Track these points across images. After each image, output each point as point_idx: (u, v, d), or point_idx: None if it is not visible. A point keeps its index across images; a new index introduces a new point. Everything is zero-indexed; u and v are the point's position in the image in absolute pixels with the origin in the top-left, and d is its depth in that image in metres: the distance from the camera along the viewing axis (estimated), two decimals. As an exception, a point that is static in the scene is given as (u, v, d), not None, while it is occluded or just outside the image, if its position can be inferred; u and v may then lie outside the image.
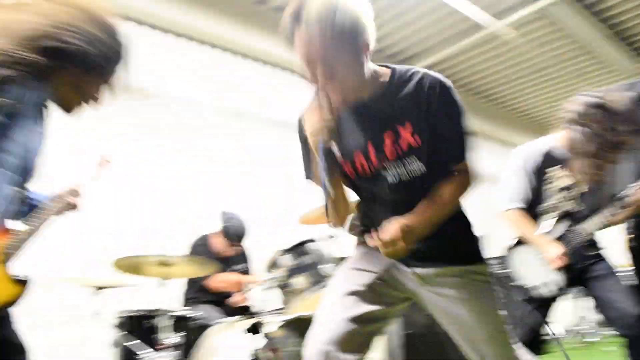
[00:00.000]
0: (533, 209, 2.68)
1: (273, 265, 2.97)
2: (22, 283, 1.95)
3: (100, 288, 3.07)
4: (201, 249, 3.79)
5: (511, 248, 2.80)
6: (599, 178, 2.46)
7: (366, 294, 1.64)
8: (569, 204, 2.61)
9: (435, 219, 1.55)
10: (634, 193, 2.44)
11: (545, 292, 2.61)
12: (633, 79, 6.82)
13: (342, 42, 1.42)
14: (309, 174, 1.69)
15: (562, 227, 2.61)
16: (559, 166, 2.61)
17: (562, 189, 2.62)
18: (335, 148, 1.56)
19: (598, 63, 7.30)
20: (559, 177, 2.63)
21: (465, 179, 1.60)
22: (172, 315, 2.96)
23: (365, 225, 1.76)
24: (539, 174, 2.65)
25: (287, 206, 5.53)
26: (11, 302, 1.91)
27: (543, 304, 2.65)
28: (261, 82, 5.84)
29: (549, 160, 2.64)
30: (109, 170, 2.55)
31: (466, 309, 1.62)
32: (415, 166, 1.57)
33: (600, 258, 2.66)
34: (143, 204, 4.68)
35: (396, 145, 1.56)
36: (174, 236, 4.67)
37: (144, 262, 2.93)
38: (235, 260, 3.99)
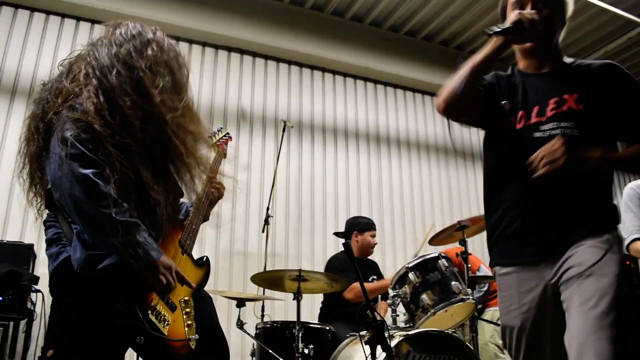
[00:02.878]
0: None
1: (400, 281, 3.01)
2: (204, 265, 2.20)
3: (241, 300, 3.31)
4: (341, 260, 3.92)
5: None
6: None
7: None
8: None
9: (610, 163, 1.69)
10: None
11: None
12: None
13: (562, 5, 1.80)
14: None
15: None
16: None
17: None
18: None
19: None
20: None
21: None
22: (307, 328, 3.11)
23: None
24: None
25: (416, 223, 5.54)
26: (202, 283, 2.16)
27: None
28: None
29: None
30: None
31: None
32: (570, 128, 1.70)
33: None
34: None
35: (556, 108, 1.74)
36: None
37: (281, 276, 3.12)
38: (370, 270, 4.07)
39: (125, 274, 1.65)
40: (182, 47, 5.03)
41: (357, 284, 3.69)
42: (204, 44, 5.16)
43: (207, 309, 2.19)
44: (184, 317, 1.88)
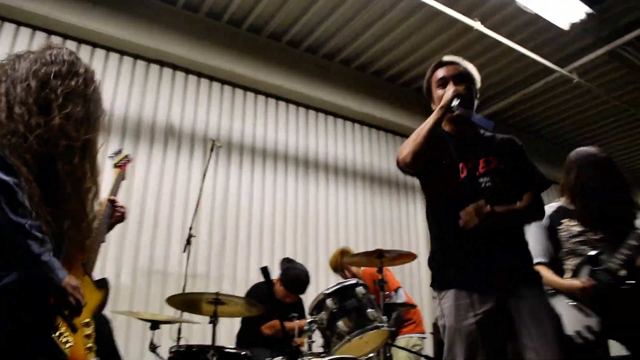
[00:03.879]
0: (556, 261, 2.82)
1: (317, 307, 3.02)
2: (103, 286, 2.14)
3: (155, 323, 3.22)
4: (261, 292, 3.88)
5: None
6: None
7: None
8: (584, 248, 2.72)
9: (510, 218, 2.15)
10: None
11: (580, 340, 2.58)
12: None
13: (470, 79, 2.30)
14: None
15: (586, 270, 2.67)
16: (569, 218, 2.84)
17: (575, 236, 2.77)
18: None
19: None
20: (571, 227, 2.81)
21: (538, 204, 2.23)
22: (222, 352, 3.06)
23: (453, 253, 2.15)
24: (553, 229, 2.86)
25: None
26: (102, 305, 2.10)
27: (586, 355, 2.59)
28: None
29: (561, 214, 2.87)
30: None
31: None
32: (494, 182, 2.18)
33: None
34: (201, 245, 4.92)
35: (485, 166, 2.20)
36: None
37: (198, 299, 3.06)
38: (291, 306, 4.07)
39: (27, 292, 1.59)
40: (112, 58, 4.91)
41: (276, 322, 3.69)
42: (136, 57, 5.05)
43: (106, 331, 2.14)
44: (85, 339, 1.82)
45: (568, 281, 2.68)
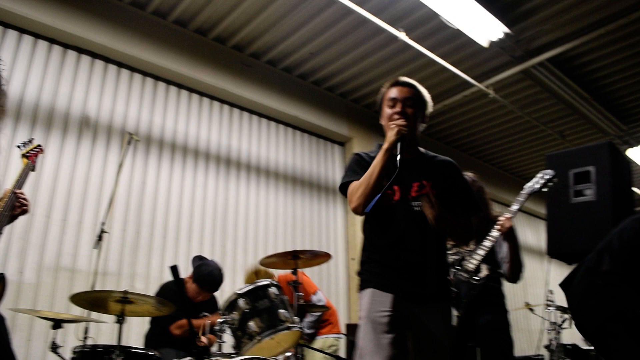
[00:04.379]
0: None
1: (230, 307, 3.00)
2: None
3: (57, 322, 3.08)
4: (172, 291, 3.79)
5: None
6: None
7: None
8: (458, 259, 3.26)
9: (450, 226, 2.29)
10: (500, 225, 3.17)
11: None
12: (617, 138, 7.06)
13: (421, 103, 2.41)
14: (355, 177, 2.30)
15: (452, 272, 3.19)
16: None
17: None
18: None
19: (583, 124, 7.46)
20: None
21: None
22: (128, 352, 2.96)
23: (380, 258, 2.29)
24: None
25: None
26: None
27: None
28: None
29: None
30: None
31: None
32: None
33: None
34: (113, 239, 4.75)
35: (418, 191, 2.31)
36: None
37: (104, 297, 2.95)
38: (203, 305, 4.00)
39: None
40: (26, 41, 4.64)
41: (185, 322, 3.61)
42: (52, 41, 4.79)
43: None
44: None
45: None
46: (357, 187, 2.21)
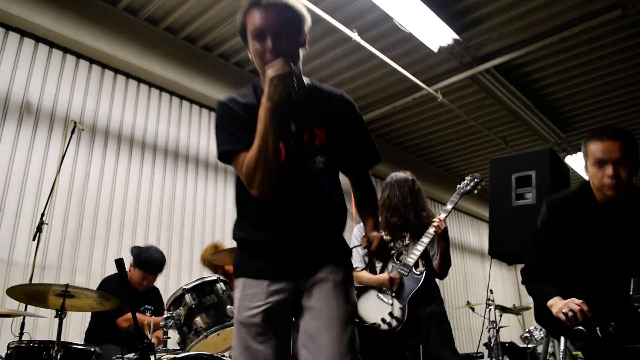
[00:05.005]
0: (372, 266, 3.43)
1: (175, 302, 2.96)
2: None
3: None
4: (115, 284, 3.71)
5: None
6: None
7: None
8: (394, 254, 3.42)
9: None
10: (437, 224, 3.33)
11: (385, 327, 3.14)
12: (556, 146, 7.39)
13: (296, 25, 1.77)
14: (238, 145, 1.70)
15: (389, 268, 3.35)
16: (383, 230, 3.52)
17: None
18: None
19: (524, 130, 7.77)
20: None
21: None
22: (68, 348, 2.87)
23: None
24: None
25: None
26: None
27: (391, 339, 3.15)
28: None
29: None
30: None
31: None
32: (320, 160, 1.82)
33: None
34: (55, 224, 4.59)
35: (310, 141, 1.81)
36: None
37: (44, 291, 2.85)
38: (147, 299, 3.93)
39: None
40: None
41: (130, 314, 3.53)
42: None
43: None
44: None
45: (378, 275, 3.32)
46: (252, 167, 1.64)
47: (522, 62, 6.18)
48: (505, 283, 10.95)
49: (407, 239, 3.47)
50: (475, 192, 3.64)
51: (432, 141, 8.37)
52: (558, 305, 2.28)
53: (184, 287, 2.97)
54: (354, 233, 3.55)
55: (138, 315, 3.60)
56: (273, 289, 1.72)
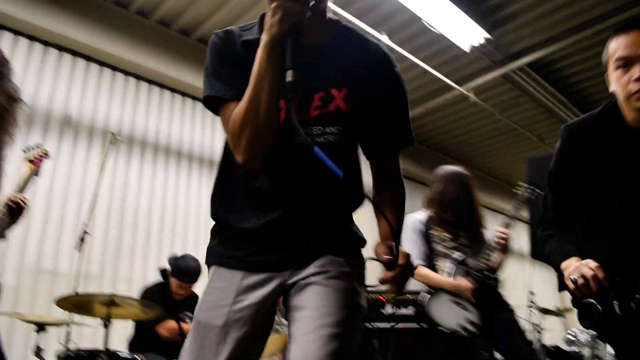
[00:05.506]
0: (430, 261, 3.26)
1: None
2: None
3: (41, 325, 3.03)
4: (154, 293, 3.78)
5: (427, 300, 3.16)
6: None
7: None
8: (456, 253, 3.23)
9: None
10: (503, 237, 3.17)
11: (465, 333, 2.99)
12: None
13: None
14: (226, 91, 1.35)
15: (460, 271, 3.17)
16: (436, 226, 3.33)
17: (445, 240, 3.30)
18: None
19: (559, 127, 7.59)
20: (442, 233, 3.32)
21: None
22: (114, 356, 2.94)
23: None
24: (426, 235, 3.31)
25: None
26: None
27: (466, 345, 3.04)
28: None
29: (431, 222, 3.36)
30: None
31: None
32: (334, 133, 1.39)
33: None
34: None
35: (322, 107, 1.37)
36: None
37: (90, 300, 2.92)
38: (186, 306, 3.99)
39: None
40: (6, 38, 4.56)
41: (174, 324, 3.60)
42: (32, 38, 4.71)
43: None
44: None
45: (455, 281, 3.11)
46: (239, 123, 1.27)
47: (555, 58, 6.07)
48: (546, 284, 10.71)
49: (465, 238, 3.31)
50: (534, 198, 3.35)
51: (466, 141, 8.27)
52: (569, 269, 1.74)
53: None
54: (411, 225, 3.33)
55: (185, 325, 3.68)
56: (247, 284, 1.36)
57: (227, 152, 1.43)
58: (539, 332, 5.19)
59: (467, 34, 5.35)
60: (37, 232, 4.35)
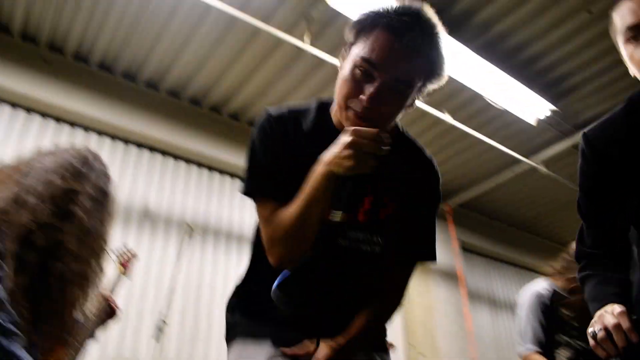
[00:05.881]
0: (548, 349, 2.69)
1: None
2: None
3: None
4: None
5: None
6: None
7: None
8: (581, 343, 2.64)
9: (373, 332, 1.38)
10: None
11: None
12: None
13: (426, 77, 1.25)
14: (271, 191, 1.32)
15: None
16: (564, 307, 2.71)
17: (573, 329, 2.68)
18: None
19: None
20: (568, 317, 2.72)
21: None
22: None
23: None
24: (549, 314, 2.72)
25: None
26: None
27: None
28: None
29: (557, 300, 2.75)
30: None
31: None
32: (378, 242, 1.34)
33: None
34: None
35: (372, 212, 1.31)
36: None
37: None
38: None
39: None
40: (91, 138, 4.97)
41: None
42: (113, 137, 5.12)
43: None
44: None
45: None
46: (279, 235, 1.25)
47: (628, 125, 5.88)
48: None
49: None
50: None
51: (540, 214, 8.00)
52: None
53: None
54: (531, 297, 2.81)
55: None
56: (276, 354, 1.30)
57: (259, 236, 1.40)
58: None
59: (532, 107, 5.33)
60: (118, 323, 4.48)
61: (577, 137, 5.77)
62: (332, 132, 1.24)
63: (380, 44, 1.16)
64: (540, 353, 2.68)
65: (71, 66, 4.85)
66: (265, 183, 1.32)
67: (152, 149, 5.32)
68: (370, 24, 1.19)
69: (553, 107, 5.33)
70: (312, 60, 4.73)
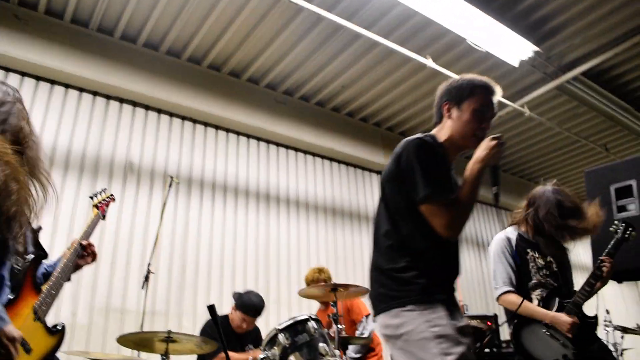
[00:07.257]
0: (525, 293, 2.90)
1: (270, 343, 3.05)
2: (57, 332, 2.15)
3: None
4: (213, 329, 3.88)
5: (517, 329, 2.89)
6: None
7: None
8: (550, 281, 2.93)
9: None
10: (605, 265, 2.88)
11: None
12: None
13: None
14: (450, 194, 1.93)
15: (554, 302, 2.85)
16: (530, 248, 2.99)
17: (540, 268, 2.95)
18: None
19: (626, 135, 7.26)
20: (534, 258, 2.97)
21: None
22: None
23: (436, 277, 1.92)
24: (517, 257, 2.97)
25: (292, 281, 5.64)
26: (52, 352, 2.11)
27: None
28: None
29: (524, 244, 3.01)
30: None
31: None
32: None
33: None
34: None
35: None
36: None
37: (150, 337, 3.05)
38: (249, 339, 4.07)
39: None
40: (72, 95, 4.93)
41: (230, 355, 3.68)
42: (95, 94, 5.08)
43: None
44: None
45: (555, 314, 2.80)
46: (461, 214, 1.89)
47: (612, 65, 5.84)
48: (626, 301, 10.10)
49: (553, 263, 3.01)
50: (630, 238, 2.99)
51: (525, 157, 8.05)
52: None
53: (277, 327, 3.06)
54: (498, 243, 3.06)
55: (236, 354, 3.78)
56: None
57: (416, 232, 1.94)
58: (619, 352, 4.91)
59: (515, 49, 5.26)
60: (106, 273, 4.59)
61: (562, 79, 5.80)
62: (444, 151, 2.10)
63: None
64: (513, 292, 2.89)
65: (44, 21, 4.75)
66: (446, 191, 1.92)
67: (134, 103, 5.29)
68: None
69: (536, 49, 5.27)
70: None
